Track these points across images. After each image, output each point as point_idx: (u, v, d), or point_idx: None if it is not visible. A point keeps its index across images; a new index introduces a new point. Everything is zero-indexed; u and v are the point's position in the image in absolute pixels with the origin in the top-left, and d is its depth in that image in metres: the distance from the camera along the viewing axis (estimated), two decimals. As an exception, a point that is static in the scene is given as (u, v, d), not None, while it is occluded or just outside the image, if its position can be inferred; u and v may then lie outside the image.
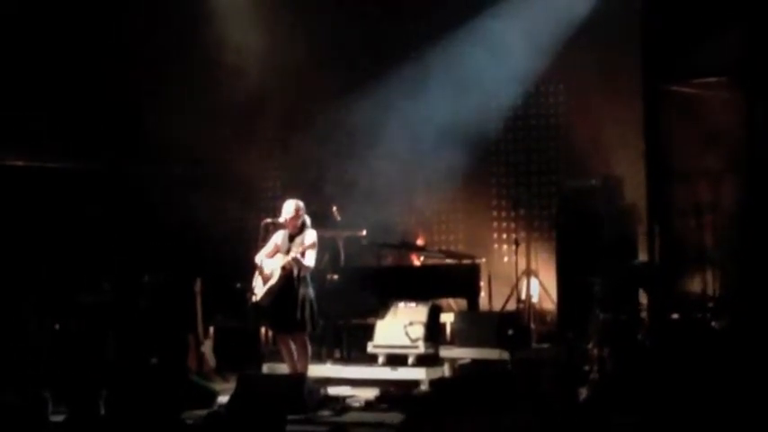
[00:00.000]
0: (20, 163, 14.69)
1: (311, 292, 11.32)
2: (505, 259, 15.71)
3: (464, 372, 12.42)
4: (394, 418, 10.16)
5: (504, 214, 16.19)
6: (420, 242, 15.15)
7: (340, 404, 10.97)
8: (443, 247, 15.17)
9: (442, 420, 9.08)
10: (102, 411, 7.34)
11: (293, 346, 11.45)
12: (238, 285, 13.43)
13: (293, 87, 15.86)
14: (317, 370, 12.17)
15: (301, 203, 11.40)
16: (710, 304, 12.22)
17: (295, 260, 11.11)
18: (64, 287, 13.81)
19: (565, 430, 8.16)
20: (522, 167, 16.05)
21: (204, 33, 15.41)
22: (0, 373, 11.86)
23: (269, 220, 11.51)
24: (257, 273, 11.39)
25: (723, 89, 13.11)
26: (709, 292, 12.75)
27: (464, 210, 16.28)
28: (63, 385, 9.54)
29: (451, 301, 14.24)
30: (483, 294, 13.76)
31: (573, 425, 8.21)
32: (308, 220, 11.40)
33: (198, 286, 13.73)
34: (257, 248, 11.46)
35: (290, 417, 9.00)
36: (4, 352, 12.55)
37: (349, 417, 10.47)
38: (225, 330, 14.10)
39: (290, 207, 11.34)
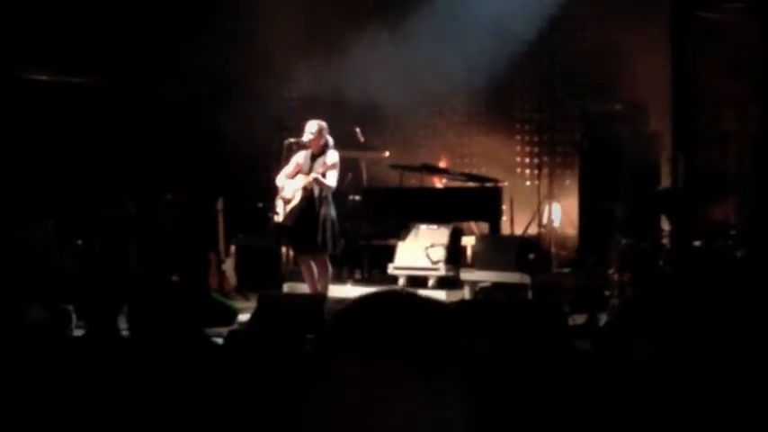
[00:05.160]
0: (44, 77, 14.67)
1: (333, 212, 11.33)
2: (528, 183, 15.69)
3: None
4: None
5: (527, 138, 16.16)
6: (442, 164, 15.14)
7: (360, 325, 10.99)
8: (466, 170, 15.14)
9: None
10: (124, 327, 7.39)
11: (314, 267, 11.48)
12: (260, 205, 13.45)
13: (317, 8, 15.76)
14: (337, 290, 12.20)
15: (324, 124, 11.36)
16: (733, 232, 12.18)
17: (316, 180, 11.10)
18: (87, 203, 13.85)
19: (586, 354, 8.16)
20: (546, 91, 15.98)
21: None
22: (24, 288, 11.92)
23: (292, 139, 11.48)
24: (279, 195, 11.40)
25: (751, 16, 12.97)
26: (732, 220, 12.70)
27: (487, 133, 16.22)
28: (86, 301, 9.60)
29: (473, 225, 14.25)
30: (504, 218, 13.77)
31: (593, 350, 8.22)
32: (330, 141, 11.36)
33: (220, 205, 13.76)
34: (279, 168, 11.45)
35: (309, 336, 9.05)
36: (29, 267, 12.62)
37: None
38: (246, 249, 14.14)
39: (312, 127, 11.30)
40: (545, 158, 15.14)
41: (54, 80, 14.66)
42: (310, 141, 11.27)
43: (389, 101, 14.70)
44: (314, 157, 11.29)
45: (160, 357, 5.74)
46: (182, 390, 5.10)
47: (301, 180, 11.23)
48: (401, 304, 2.29)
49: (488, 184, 13.77)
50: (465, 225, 13.94)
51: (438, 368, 2.15)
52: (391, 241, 13.43)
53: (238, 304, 12.14)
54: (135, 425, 4.92)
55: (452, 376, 2.16)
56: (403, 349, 2.15)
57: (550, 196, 14.49)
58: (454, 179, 14.46)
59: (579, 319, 9.90)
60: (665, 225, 12.31)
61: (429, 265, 12.78)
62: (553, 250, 13.87)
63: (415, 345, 2.17)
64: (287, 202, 11.28)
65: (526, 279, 12.03)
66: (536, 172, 14.71)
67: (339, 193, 11.93)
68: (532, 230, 14.25)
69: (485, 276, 12.63)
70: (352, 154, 13.51)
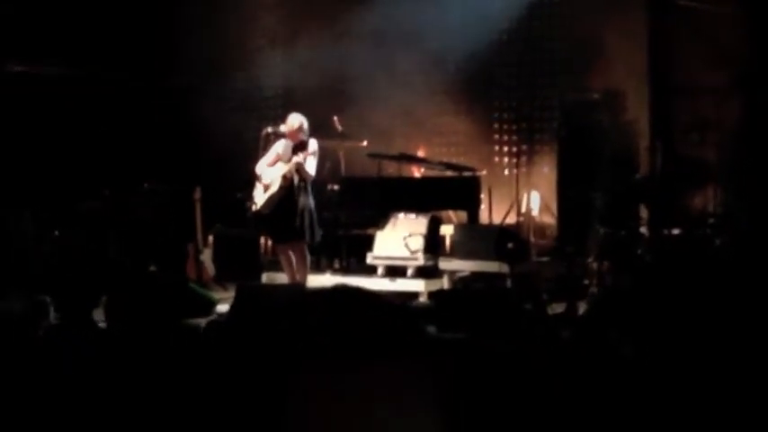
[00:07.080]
0: (19, 68, 14.57)
1: (311, 201, 11.30)
2: (506, 172, 15.68)
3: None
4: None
5: (505, 127, 16.14)
6: (421, 153, 15.11)
7: (338, 314, 10.95)
8: (444, 159, 15.11)
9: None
10: (103, 317, 7.36)
11: (292, 256, 11.46)
12: (239, 195, 13.42)
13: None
14: (316, 280, 12.17)
15: (306, 122, 11.30)
16: (711, 220, 12.20)
17: (297, 165, 11.06)
18: (64, 194, 13.79)
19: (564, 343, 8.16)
20: (524, 80, 15.97)
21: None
22: (1, 279, 11.86)
23: (269, 129, 11.42)
24: (257, 182, 11.36)
25: (729, 4, 12.98)
26: (711, 208, 12.73)
27: (465, 122, 16.20)
28: (63, 291, 9.55)
29: (451, 214, 14.24)
30: (483, 207, 13.74)
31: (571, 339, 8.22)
32: (306, 139, 11.30)
33: (197, 195, 13.71)
34: (258, 158, 11.41)
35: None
36: (6, 259, 12.56)
37: (347, 327, 10.45)
38: (224, 239, 14.11)
39: (294, 121, 11.25)
40: (523, 147, 15.13)
41: (28, 71, 14.56)
42: (288, 133, 11.24)
43: (366, 89, 14.66)
44: (294, 148, 11.26)
45: (139, 348, 5.71)
46: (161, 381, 5.07)
47: (281, 168, 11.19)
48: (360, 303, 2.27)
49: (466, 173, 13.74)
50: (443, 214, 13.92)
51: (411, 367, 2.13)
52: (370, 230, 13.40)
53: (216, 294, 12.07)
54: (112, 416, 4.90)
55: (424, 375, 2.14)
56: (375, 352, 2.13)
57: (529, 185, 14.49)
58: (432, 168, 14.42)
59: (558, 307, 9.91)
60: (644, 213, 12.32)
61: (408, 254, 12.75)
62: (532, 239, 13.86)
63: (386, 346, 2.15)
64: (266, 188, 11.24)
65: (505, 268, 12.02)
66: (514, 161, 14.70)
67: (317, 183, 11.89)
68: (511, 219, 14.25)
69: (463, 266, 12.62)
70: (330, 143, 13.46)
